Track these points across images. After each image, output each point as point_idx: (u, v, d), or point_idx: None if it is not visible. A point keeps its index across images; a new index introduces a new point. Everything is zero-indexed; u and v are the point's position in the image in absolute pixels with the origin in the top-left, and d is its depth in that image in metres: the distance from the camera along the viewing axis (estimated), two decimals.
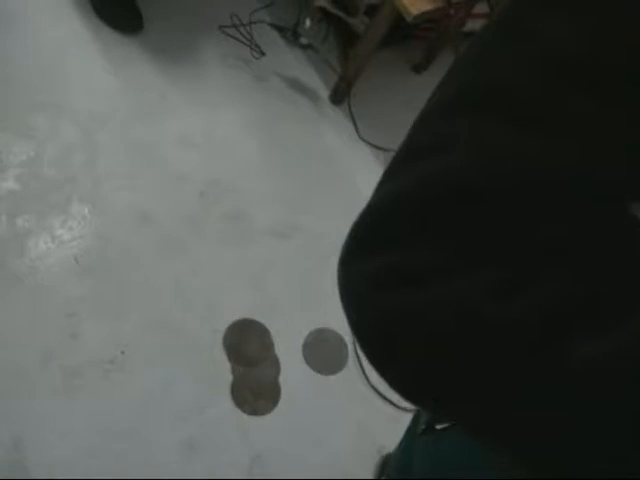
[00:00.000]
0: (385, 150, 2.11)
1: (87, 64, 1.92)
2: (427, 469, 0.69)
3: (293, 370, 1.61)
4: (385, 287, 0.37)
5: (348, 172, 2.05)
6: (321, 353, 1.67)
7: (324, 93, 2.19)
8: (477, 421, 0.36)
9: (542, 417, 0.33)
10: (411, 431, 0.81)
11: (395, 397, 1.66)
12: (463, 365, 0.35)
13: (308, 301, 1.74)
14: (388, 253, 0.38)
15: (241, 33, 2.19)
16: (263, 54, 2.19)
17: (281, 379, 1.59)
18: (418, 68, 2.43)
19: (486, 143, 0.35)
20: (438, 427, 0.67)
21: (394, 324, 0.37)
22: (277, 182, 1.92)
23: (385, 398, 1.66)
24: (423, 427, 0.71)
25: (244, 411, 1.51)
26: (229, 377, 1.55)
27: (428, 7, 1.72)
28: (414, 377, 0.37)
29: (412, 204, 0.37)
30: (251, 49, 2.17)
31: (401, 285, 0.36)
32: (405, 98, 2.32)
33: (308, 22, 2.14)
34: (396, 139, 1.89)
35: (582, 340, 0.32)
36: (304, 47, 2.24)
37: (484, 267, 0.34)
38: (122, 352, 1.50)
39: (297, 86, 2.17)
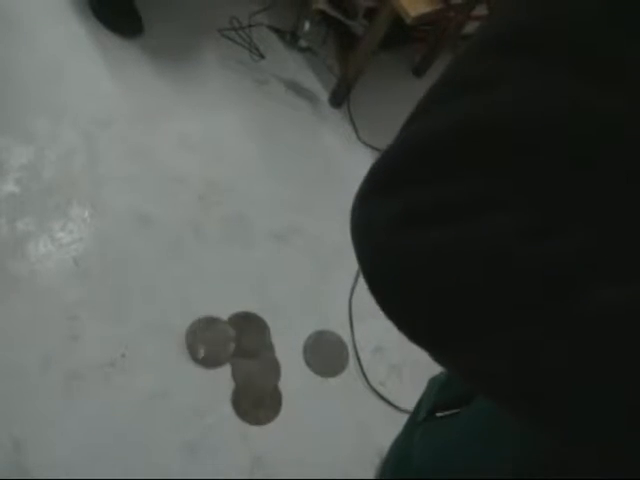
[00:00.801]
0: None
1: (87, 67, 1.93)
2: (428, 458, 0.69)
3: (293, 372, 1.61)
4: (413, 224, 0.36)
5: (347, 174, 2.05)
6: (321, 355, 1.67)
7: (323, 96, 2.19)
8: (501, 370, 0.35)
9: (561, 363, 0.33)
10: (411, 421, 0.81)
11: (394, 398, 1.66)
12: (487, 305, 0.34)
13: (308, 303, 1.74)
14: (417, 190, 0.37)
15: (240, 36, 2.19)
16: (262, 57, 2.19)
17: (281, 381, 1.59)
18: (417, 71, 2.43)
19: (538, 84, 0.34)
20: (439, 415, 0.67)
21: (420, 263, 0.35)
22: (276, 185, 1.92)
23: (386, 400, 1.66)
24: (424, 415, 0.71)
25: (247, 422, 1.51)
26: (230, 381, 1.55)
27: (427, 9, 1.73)
28: (440, 318, 0.36)
29: (453, 140, 0.36)
30: (250, 52, 2.18)
31: (431, 222, 0.35)
32: (404, 101, 2.31)
33: (307, 25, 2.14)
34: None
35: (606, 287, 0.32)
36: (303, 50, 2.24)
37: (519, 208, 0.33)
38: (122, 355, 1.50)
39: (296, 89, 2.17)
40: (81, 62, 1.93)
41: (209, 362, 1.56)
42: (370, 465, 1.56)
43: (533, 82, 0.34)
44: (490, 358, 0.35)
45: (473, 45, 0.39)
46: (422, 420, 0.72)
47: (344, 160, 2.08)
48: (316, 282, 1.79)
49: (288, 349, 1.64)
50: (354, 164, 2.08)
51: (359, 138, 2.13)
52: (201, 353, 1.56)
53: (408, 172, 0.38)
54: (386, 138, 2.00)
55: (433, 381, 0.77)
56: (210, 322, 1.61)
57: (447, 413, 0.66)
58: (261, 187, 1.90)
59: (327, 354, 1.69)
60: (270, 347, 1.63)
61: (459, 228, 0.34)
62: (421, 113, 0.41)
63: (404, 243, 0.36)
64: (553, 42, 0.34)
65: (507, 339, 0.34)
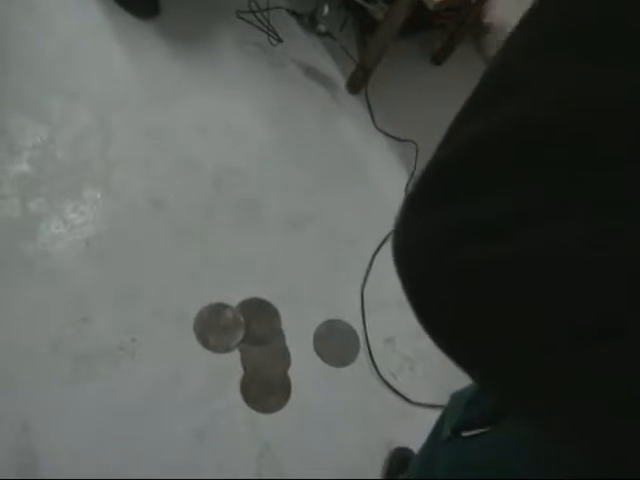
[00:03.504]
0: (401, 140, 2.08)
1: (103, 49, 1.91)
2: (451, 478, 0.67)
3: (303, 361, 1.60)
4: (475, 238, 0.32)
5: (363, 162, 2.03)
6: (332, 345, 1.66)
7: (341, 82, 2.16)
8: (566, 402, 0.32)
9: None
10: (434, 437, 0.79)
11: (405, 391, 1.64)
12: (560, 324, 0.31)
13: (320, 292, 1.72)
14: (463, 204, 0.34)
15: (258, 19, 2.16)
16: (280, 41, 2.16)
17: (291, 370, 1.58)
18: (437, 59, 2.40)
19: (594, 85, 0.32)
20: (465, 434, 0.65)
21: (481, 282, 0.32)
22: (291, 170, 1.90)
23: (395, 391, 1.64)
24: (448, 434, 0.69)
25: (255, 409, 1.50)
26: (240, 368, 1.54)
27: None
28: (504, 345, 0.33)
29: (511, 145, 0.33)
30: (268, 35, 2.15)
31: (494, 236, 0.32)
32: (423, 89, 2.29)
33: (326, 9, 2.11)
34: (413, 130, 1.88)
35: None
36: (322, 34, 2.21)
37: (578, 213, 0.31)
38: (133, 339, 1.49)
39: (314, 74, 2.14)
40: (96, 43, 1.91)
41: (218, 348, 1.55)
42: (378, 457, 1.55)
43: (589, 83, 0.32)
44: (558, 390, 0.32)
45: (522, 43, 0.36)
46: (447, 439, 0.69)
47: (360, 147, 2.05)
48: (328, 271, 1.77)
49: (299, 337, 1.63)
50: (370, 152, 2.06)
51: (376, 125, 2.10)
52: (210, 339, 1.54)
53: (464, 183, 0.35)
54: (403, 126, 1.98)
55: (457, 397, 0.75)
56: (220, 308, 1.59)
57: (474, 432, 0.63)
58: (275, 173, 1.88)
59: (338, 344, 1.67)
60: (280, 334, 1.62)
61: (516, 245, 0.31)
62: (472, 114, 0.37)
63: (466, 258, 0.33)
64: (609, 41, 0.32)
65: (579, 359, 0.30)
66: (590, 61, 0.31)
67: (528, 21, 0.36)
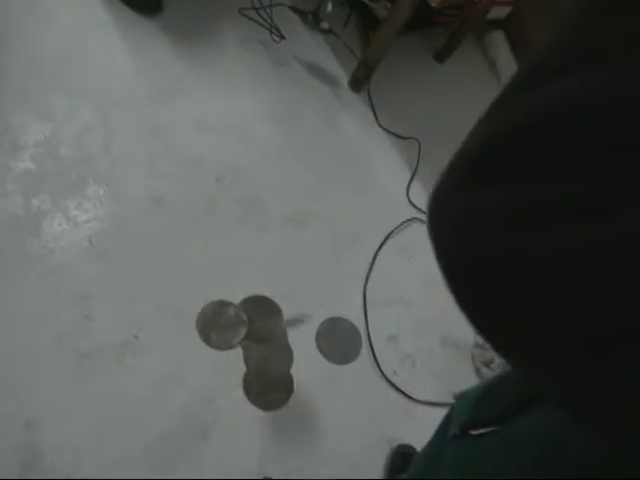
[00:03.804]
0: (404, 138, 2.08)
1: (106, 46, 1.91)
2: (456, 477, 0.67)
3: (306, 358, 1.60)
4: (534, 221, 0.30)
5: (366, 160, 2.03)
6: (334, 342, 1.66)
7: (344, 79, 2.16)
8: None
9: None
10: (440, 435, 0.79)
11: (407, 388, 1.64)
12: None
13: (322, 290, 1.72)
14: (529, 184, 0.31)
15: (261, 16, 2.16)
16: (283, 38, 2.16)
17: (294, 368, 1.58)
18: (439, 56, 2.39)
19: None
20: (473, 433, 0.65)
21: (545, 268, 0.30)
22: (293, 168, 1.90)
23: (397, 389, 1.64)
24: (456, 431, 0.69)
25: (257, 406, 1.50)
26: (242, 365, 1.54)
27: None
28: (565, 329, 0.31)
29: (559, 126, 0.31)
30: (271, 32, 2.15)
31: (579, 217, 0.29)
32: (426, 86, 2.29)
33: (329, 6, 2.10)
34: (415, 127, 1.88)
35: None
36: (325, 31, 2.20)
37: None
38: (135, 336, 1.49)
39: (316, 71, 2.14)
40: (99, 40, 1.91)
41: (221, 345, 1.55)
42: (380, 454, 1.55)
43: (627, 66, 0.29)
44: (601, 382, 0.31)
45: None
46: (453, 436, 0.69)
47: (362, 145, 2.05)
48: (331, 268, 1.77)
49: (301, 335, 1.63)
50: (373, 149, 2.06)
51: (378, 123, 2.10)
52: (213, 336, 1.55)
53: (511, 163, 0.32)
54: (406, 123, 1.98)
55: (462, 397, 0.74)
56: (222, 305, 1.59)
57: (483, 431, 0.63)
58: (278, 170, 1.88)
59: (340, 341, 1.67)
60: (283, 332, 1.62)
61: (584, 229, 0.29)
62: (512, 94, 0.34)
63: (525, 244, 0.31)
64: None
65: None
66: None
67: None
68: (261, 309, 1.63)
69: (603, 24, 0.30)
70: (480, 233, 0.33)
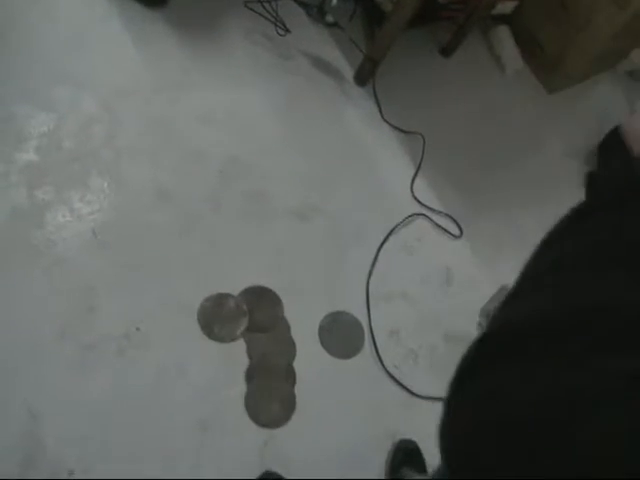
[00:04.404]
0: (408, 132, 2.08)
1: (109, 37, 1.90)
2: None
3: (308, 352, 1.60)
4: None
5: (370, 154, 2.02)
6: (337, 337, 1.66)
7: (349, 73, 2.16)
8: None
9: None
10: None
11: (409, 383, 1.64)
12: None
13: (325, 283, 1.72)
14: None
15: (266, 9, 2.16)
16: (288, 31, 2.15)
17: (296, 362, 1.58)
18: (445, 51, 2.39)
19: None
20: None
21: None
22: (298, 162, 1.90)
23: (399, 383, 1.64)
24: None
25: (259, 425, 1.49)
26: (245, 357, 1.54)
27: None
28: None
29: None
30: (276, 26, 2.14)
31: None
32: (431, 81, 2.28)
33: (335, 0, 2.10)
34: (420, 122, 1.87)
35: None
36: (330, 25, 2.20)
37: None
38: (137, 329, 1.49)
39: (321, 65, 2.14)
40: (104, 32, 1.91)
41: (224, 338, 1.55)
42: (382, 448, 1.55)
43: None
44: None
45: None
46: None
47: (367, 139, 2.05)
48: (334, 262, 1.77)
49: (304, 329, 1.63)
50: (377, 143, 2.05)
51: (383, 117, 2.09)
52: (215, 329, 1.55)
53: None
54: (410, 118, 1.97)
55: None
56: (222, 298, 1.59)
57: None
58: (282, 163, 1.87)
59: (343, 335, 1.67)
60: (283, 322, 1.62)
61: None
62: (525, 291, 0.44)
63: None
64: None
65: None
66: None
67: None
68: (260, 299, 1.63)
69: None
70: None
